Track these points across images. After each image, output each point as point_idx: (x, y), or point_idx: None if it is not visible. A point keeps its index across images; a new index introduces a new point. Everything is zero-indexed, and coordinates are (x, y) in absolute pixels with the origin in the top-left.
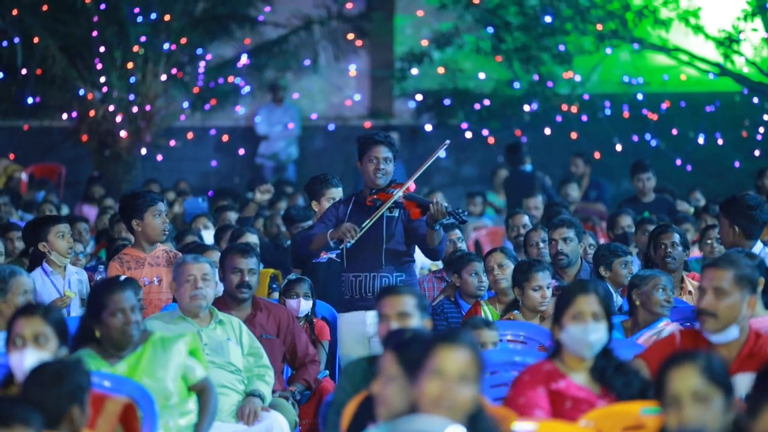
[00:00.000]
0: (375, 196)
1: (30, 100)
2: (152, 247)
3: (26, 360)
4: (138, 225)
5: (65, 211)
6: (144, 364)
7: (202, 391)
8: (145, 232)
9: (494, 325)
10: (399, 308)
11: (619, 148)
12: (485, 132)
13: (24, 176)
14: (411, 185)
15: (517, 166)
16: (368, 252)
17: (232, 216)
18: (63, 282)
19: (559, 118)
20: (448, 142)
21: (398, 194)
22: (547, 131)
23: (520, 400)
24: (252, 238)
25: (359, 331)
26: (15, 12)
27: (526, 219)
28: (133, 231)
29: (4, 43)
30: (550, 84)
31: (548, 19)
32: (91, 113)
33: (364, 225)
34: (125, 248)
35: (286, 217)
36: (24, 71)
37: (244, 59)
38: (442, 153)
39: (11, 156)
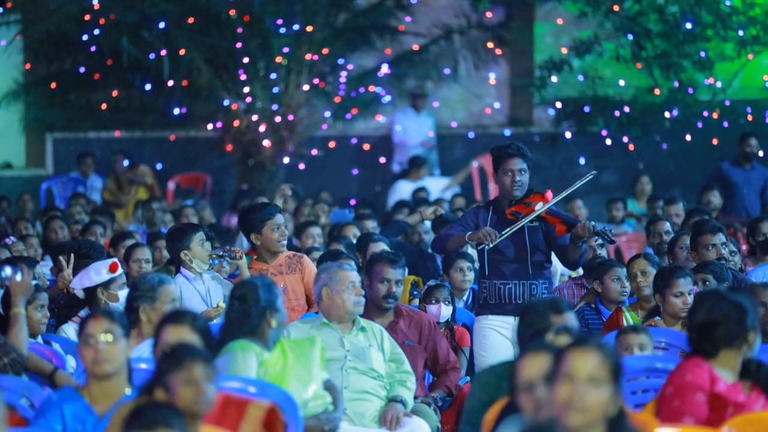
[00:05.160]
0: (514, 208)
1: (176, 111)
2: (274, 256)
3: None
4: (257, 239)
5: (212, 220)
6: (290, 357)
7: (330, 390)
8: (264, 246)
9: (643, 329)
10: None
11: (761, 154)
12: (625, 139)
13: (171, 185)
14: (550, 198)
15: None
16: (514, 261)
17: (371, 225)
18: (205, 288)
19: (699, 125)
20: (594, 173)
21: (540, 209)
22: (688, 138)
23: (674, 403)
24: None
25: (507, 335)
26: (162, 25)
27: (667, 225)
28: (253, 245)
29: (152, 56)
30: (690, 91)
31: (689, 26)
32: (236, 123)
33: (503, 233)
34: (251, 262)
35: (440, 221)
36: (170, 83)
37: (384, 69)
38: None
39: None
